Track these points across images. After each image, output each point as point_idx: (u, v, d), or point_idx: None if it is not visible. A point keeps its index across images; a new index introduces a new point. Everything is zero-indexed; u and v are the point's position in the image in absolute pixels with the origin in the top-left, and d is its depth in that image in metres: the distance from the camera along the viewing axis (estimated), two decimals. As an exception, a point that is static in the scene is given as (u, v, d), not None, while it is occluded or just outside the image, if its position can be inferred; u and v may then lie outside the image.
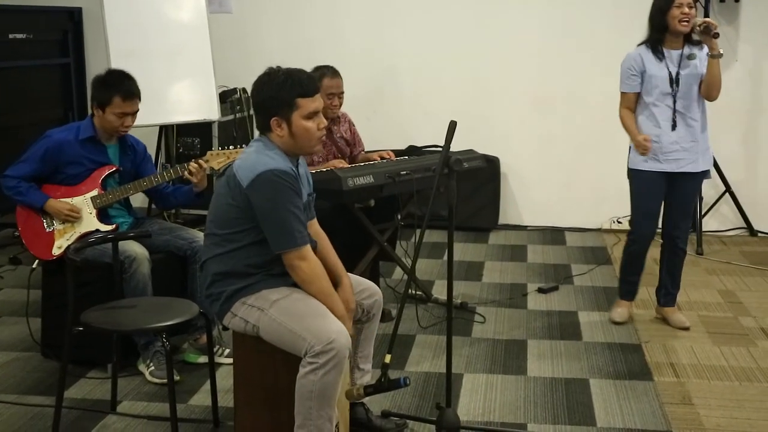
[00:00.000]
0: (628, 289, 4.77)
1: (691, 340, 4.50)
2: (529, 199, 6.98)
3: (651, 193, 4.50)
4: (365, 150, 5.10)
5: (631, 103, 4.49)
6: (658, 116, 4.42)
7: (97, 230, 4.08)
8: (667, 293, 4.75)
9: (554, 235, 6.73)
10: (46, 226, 4.09)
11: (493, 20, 6.76)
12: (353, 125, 5.02)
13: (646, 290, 5.24)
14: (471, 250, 6.30)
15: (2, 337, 4.54)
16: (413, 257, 3.44)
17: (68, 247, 3.58)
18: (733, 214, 6.60)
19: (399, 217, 4.68)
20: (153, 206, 5.67)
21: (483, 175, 6.59)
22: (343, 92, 4.80)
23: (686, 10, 4.31)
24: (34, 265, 4.28)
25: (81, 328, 3.19)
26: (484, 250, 6.33)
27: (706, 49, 4.38)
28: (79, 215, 4.07)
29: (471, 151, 4.84)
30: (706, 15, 6.28)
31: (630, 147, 4.54)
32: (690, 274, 5.62)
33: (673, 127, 4.41)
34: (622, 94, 4.51)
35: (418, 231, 3.49)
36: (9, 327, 4.67)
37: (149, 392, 3.87)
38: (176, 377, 3.91)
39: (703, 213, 6.37)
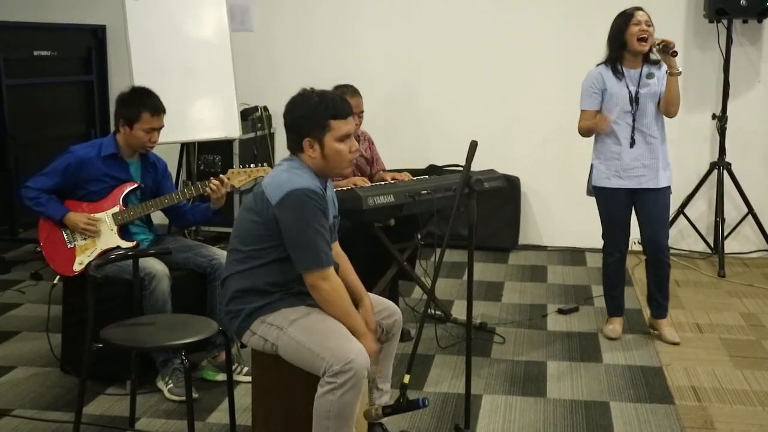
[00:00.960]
0: (614, 304, 4.85)
1: (713, 363, 4.45)
2: (550, 219, 6.95)
3: (616, 205, 4.63)
4: (385, 169, 5.10)
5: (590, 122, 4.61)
6: (618, 134, 4.54)
7: (118, 247, 4.09)
8: (658, 305, 4.81)
9: (574, 255, 6.69)
10: (67, 241, 4.11)
11: (514, 39, 6.76)
12: (373, 144, 5.03)
13: (668, 312, 5.21)
14: (491, 270, 6.27)
15: (23, 352, 4.56)
16: (433, 277, 3.45)
17: (89, 264, 3.59)
18: (755, 236, 6.54)
19: (419, 236, 4.67)
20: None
21: (504, 195, 6.58)
22: (363, 111, 4.81)
23: (644, 27, 4.42)
24: (55, 281, 4.30)
25: (100, 345, 3.19)
26: (504, 270, 6.30)
27: (664, 67, 4.48)
28: (96, 227, 4.08)
29: (492, 171, 4.83)
30: (729, 36, 6.25)
31: (591, 165, 4.68)
32: (712, 296, 5.58)
33: (632, 144, 4.53)
34: (583, 111, 4.64)
35: (438, 250, 3.48)
36: (30, 342, 4.69)
37: (167, 410, 3.87)
38: (195, 395, 3.90)
39: (725, 235, 6.32)
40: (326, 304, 3.08)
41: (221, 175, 4.16)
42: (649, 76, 4.51)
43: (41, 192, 4.10)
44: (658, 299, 4.79)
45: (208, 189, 4.12)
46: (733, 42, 6.29)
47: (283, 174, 3.09)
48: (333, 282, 3.07)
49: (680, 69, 4.44)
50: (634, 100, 4.48)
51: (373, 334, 3.19)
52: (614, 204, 4.62)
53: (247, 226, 3.13)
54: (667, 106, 4.50)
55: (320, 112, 3.07)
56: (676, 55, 4.36)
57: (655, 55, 4.51)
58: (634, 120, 4.50)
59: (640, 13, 4.46)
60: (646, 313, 5.00)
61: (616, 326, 4.80)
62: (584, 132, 4.65)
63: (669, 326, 4.81)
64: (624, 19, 4.46)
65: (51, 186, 4.11)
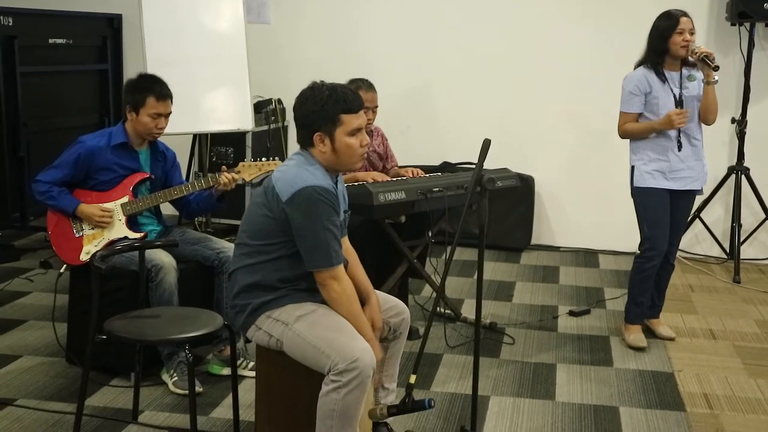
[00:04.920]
0: (639, 311, 4.73)
1: (726, 370, 4.39)
2: (563, 219, 6.89)
3: (662, 206, 4.54)
4: (398, 165, 5.05)
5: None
6: (665, 136, 4.48)
7: (126, 237, 4.07)
8: (653, 305, 4.81)
9: (587, 257, 6.63)
10: (75, 231, 4.09)
11: (530, 38, 6.70)
12: (386, 139, 4.98)
13: (681, 317, 5.15)
14: (502, 270, 6.22)
15: (28, 341, 4.54)
16: (443, 275, 3.40)
17: (95, 254, 3.57)
18: (772, 242, 6.47)
19: (430, 234, 4.62)
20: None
21: (517, 194, 6.48)
22: (377, 106, 4.76)
23: (688, 36, 4.39)
24: (62, 270, 4.28)
25: (104, 337, 3.16)
26: (516, 270, 6.25)
27: (701, 72, 4.45)
28: (112, 217, 4.06)
29: (505, 169, 4.78)
30: (751, 40, 6.17)
31: (633, 167, 4.58)
32: (726, 302, 5.52)
33: (680, 147, 4.47)
34: (624, 114, 4.54)
35: (448, 248, 3.43)
36: (36, 331, 4.67)
37: (171, 403, 3.84)
38: (199, 389, 3.87)
39: (741, 240, 6.25)
40: (335, 303, 3.05)
41: (232, 171, 4.13)
42: (690, 78, 4.47)
43: (52, 185, 4.08)
44: (655, 300, 4.78)
45: (220, 182, 4.09)
46: (755, 46, 6.21)
47: (293, 170, 3.05)
48: (343, 282, 3.04)
49: (717, 78, 4.39)
50: (679, 102, 4.43)
51: (378, 332, 3.15)
52: (661, 205, 4.53)
53: (257, 221, 3.09)
54: (705, 114, 4.49)
55: (330, 106, 3.02)
56: (717, 69, 4.33)
57: (692, 59, 4.46)
58: None
59: (685, 20, 4.38)
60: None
61: (640, 335, 4.69)
62: (629, 134, 4.54)
63: (662, 324, 4.83)
64: (669, 25, 4.38)
65: (62, 178, 4.09)
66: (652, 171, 4.50)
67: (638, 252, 4.68)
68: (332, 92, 3.05)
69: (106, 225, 4.06)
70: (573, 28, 6.62)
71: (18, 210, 6.24)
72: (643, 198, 4.57)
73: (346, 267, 3.12)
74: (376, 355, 2.97)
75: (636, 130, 4.52)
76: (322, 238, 2.98)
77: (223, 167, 4.17)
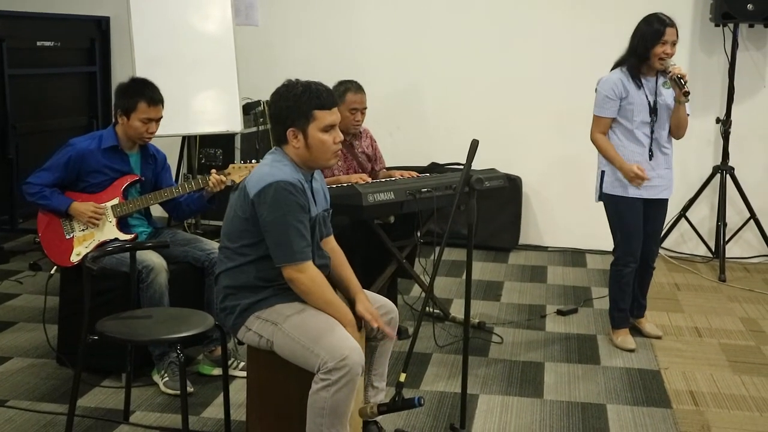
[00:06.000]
0: (622, 316, 4.74)
1: (712, 368, 4.43)
2: (551, 219, 6.94)
3: (634, 214, 4.52)
4: (386, 166, 5.08)
5: (606, 128, 4.51)
6: (637, 143, 4.47)
7: (116, 239, 4.08)
8: (639, 306, 4.83)
9: (575, 256, 6.67)
10: (65, 232, 4.10)
11: (517, 40, 6.74)
12: (375, 141, 5.01)
13: (667, 315, 5.20)
14: (490, 270, 6.26)
15: (19, 342, 4.55)
16: (431, 275, 3.43)
17: (86, 255, 3.58)
18: (757, 241, 6.51)
19: (418, 234, 4.65)
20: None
21: (505, 195, 6.52)
22: (366, 108, 4.79)
23: (669, 49, 4.38)
24: (52, 271, 4.29)
25: (96, 337, 3.18)
26: (504, 269, 6.28)
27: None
28: (103, 214, 4.07)
29: (493, 170, 4.81)
30: (735, 40, 6.23)
31: (603, 172, 4.56)
32: (712, 300, 5.57)
33: (651, 156, 4.47)
34: (598, 118, 4.52)
35: (437, 249, 3.47)
36: (26, 333, 4.68)
37: (162, 403, 3.86)
38: (190, 389, 3.89)
39: (726, 239, 6.30)
40: (306, 295, 3.07)
41: (221, 173, 4.14)
42: (665, 85, 4.46)
43: (43, 187, 4.09)
44: (639, 300, 4.82)
45: (210, 184, 4.11)
46: (738, 46, 6.27)
47: (265, 168, 3.09)
48: (310, 273, 3.05)
49: (688, 98, 4.38)
50: (653, 110, 4.43)
51: (380, 321, 3.18)
52: (632, 213, 4.50)
53: (233, 223, 3.12)
54: (675, 129, 4.50)
55: (304, 102, 3.06)
56: (687, 95, 4.33)
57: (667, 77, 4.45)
58: (652, 131, 4.45)
59: (671, 30, 4.35)
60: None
61: (628, 337, 4.70)
62: (599, 143, 4.52)
63: (648, 322, 4.88)
64: (654, 34, 4.34)
65: (51, 181, 4.10)
66: (623, 178, 4.47)
67: (613, 259, 4.68)
68: (306, 89, 3.08)
69: (96, 224, 4.08)
70: (562, 29, 6.66)
71: (7, 212, 6.24)
72: (615, 206, 4.54)
73: (329, 265, 3.14)
74: (356, 336, 2.99)
75: (604, 149, 4.49)
76: (285, 233, 2.99)
77: (213, 170, 4.18)
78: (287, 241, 3.00)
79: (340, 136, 3.15)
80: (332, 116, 3.10)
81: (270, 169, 3.06)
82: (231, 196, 3.19)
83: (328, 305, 3.07)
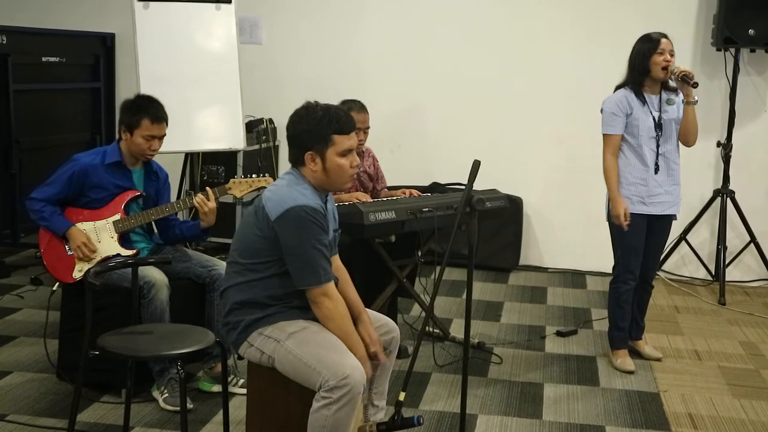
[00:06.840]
0: (622, 336, 4.75)
1: (711, 391, 4.43)
2: (551, 241, 6.95)
3: (637, 232, 4.53)
4: (387, 186, 5.10)
5: (617, 148, 4.52)
6: (643, 159, 4.49)
7: (118, 254, 4.09)
8: (637, 327, 4.83)
9: (575, 278, 6.68)
10: (67, 249, 4.11)
11: (519, 61, 6.78)
12: (377, 161, 5.03)
13: (666, 338, 5.20)
14: (490, 290, 6.26)
15: (19, 357, 4.55)
16: (432, 294, 3.44)
17: (88, 271, 3.59)
18: (757, 265, 6.52)
19: (419, 253, 4.66)
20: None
21: (506, 215, 6.54)
22: (369, 127, 4.81)
23: (668, 57, 4.41)
24: (54, 287, 4.29)
25: (97, 353, 3.18)
26: (504, 290, 6.29)
27: (681, 95, 4.48)
28: (93, 253, 4.07)
29: (494, 190, 4.83)
30: (736, 65, 6.27)
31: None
32: (711, 324, 5.57)
33: (656, 170, 4.49)
34: (608, 137, 4.52)
35: (437, 268, 3.48)
36: (26, 348, 4.68)
37: (162, 419, 3.86)
38: (189, 405, 3.89)
39: (726, 262, 6.31)
40: (327, 321, 3.08)
41: (207, 188, 4.15)
42: (669, 102, 4.50)
43: (46, 203, 4.10)
44: (638, 320, 4.82)
45: (195, 201, 4.11)
46: (740, 71, 6.31)
47: (284, 189, 3.09)
48: (334, 298, 3.08)
49: (697, 98, 4.44)
50: (658, 125, 4.46)
51: (378, 346, 3.19)
52: (635, 231, 4.51)
53: (248, 240, 3.13)
54: (685, 135, 4.52)
55: (324, 126, 3.08)
56: (696, 86, 4.35)
57: (673, 83, 4.50)
58: (658, 146, 4.47)
59: (665, 41, 4.42)
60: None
61: (627, 358, 4.70)
62: (605, 166, 4.50)
63: (647, 344, 4.88)
64: (649, 46, 4.41)
65: (55, 195, 4.11)
66: (630, 196, 4.49)
67: (612, 277, 4.69)
68: (326, 112, 3.10)
69: (81, 256, 4.07)
70: (563, 51, 6.70)
71: (9, 227, 6.26)
72: (617, 224, 4.54)
73: (336, 285, 3.16)
74: (366, 373, 3.00)
75: (606, 176, 4.50)
76: (311, 256, 3.02)
77: (208, 187, 4.18)
78: (313, 264, 3.02)
79: (357, 160, 3.17)
80: (350, 141, 3.13)
81: (291, 191, 3.07)
82: (243, 211, 3.20)
83: (345, 335, 3.08)
